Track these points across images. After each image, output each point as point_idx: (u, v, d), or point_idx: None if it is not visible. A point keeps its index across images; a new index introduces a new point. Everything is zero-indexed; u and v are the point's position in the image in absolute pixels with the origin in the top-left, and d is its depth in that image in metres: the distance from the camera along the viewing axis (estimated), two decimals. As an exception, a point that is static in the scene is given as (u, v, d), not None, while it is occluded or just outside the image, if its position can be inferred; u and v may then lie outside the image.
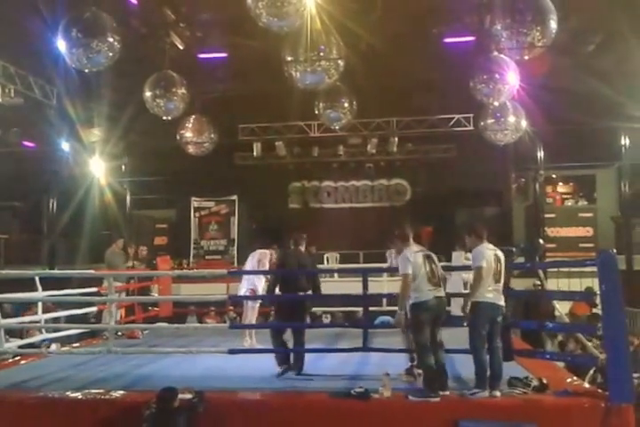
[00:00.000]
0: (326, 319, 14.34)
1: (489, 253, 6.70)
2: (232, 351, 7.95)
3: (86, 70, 11.17)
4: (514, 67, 12.02)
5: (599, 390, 6.57)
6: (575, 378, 7.44)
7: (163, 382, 6.79)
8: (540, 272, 10.80)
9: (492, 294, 6.65)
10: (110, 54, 10.63)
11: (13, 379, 7.63)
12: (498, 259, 6.74)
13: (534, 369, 7.36)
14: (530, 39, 9.93)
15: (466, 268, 11.29)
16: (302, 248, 8.63)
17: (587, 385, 7.22)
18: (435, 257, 6.88)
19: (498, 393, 6.42)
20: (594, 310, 11.12)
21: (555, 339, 11.65)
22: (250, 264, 10.03)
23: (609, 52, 13.85)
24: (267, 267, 9.81)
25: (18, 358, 9.29)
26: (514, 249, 8.56)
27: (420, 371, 6.85)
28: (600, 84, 13.82)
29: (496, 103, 13.35)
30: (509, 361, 7.26)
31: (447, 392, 6.46)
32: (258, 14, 9.29)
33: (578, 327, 10.30)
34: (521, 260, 9.99)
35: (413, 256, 6.66)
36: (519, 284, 9.18)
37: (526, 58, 10.61)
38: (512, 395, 6.42)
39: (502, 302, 6.73)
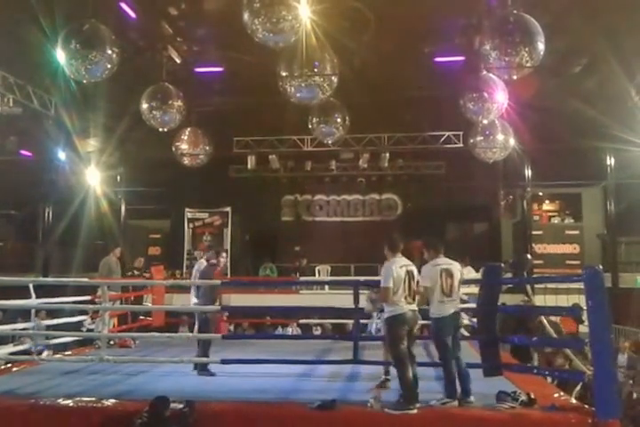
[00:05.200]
0: (317, 331, 14.40)
1: (436, 270, 6.84)
2: (224, 362, 8.02)
3: (84, 81, 11.28)
4: (502, 86, 12.25)
5: (586, 406, 6.55)
6: (562, 393, 7.47)
7: (154, 391, 6.81)
8: (528, 287, 10.94)
9: (451, 308, 6.83)
10: (108, 66, 10.74)
11: (4, 386, 7.59)
12: (449, 273, 6.90)
13: (522, 384, 7.40)
14: (518, 60, 10.11)
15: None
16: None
17: (574, 401, 7.20)
18: (415, 272, 6.92)
19: (472, 398, 6.60)
20: (580, 327, 11.22)
21: (541, 354, 11.73)
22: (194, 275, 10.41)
23: (594, 73, 14.13)
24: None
25: (9, 365, 9.29)
26: (502, 264, 8.65)
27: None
28: (586, 104, 14.07)
29: (485, 121, 13.58)
30: (498, 376, 7.39)
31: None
32: (254, 30, 9.42)
33: (565, 343, 10.39)
34: (509, 275, 10.13)
35: (397, 270, 6.73)
36: (508, 299, 9.28)
37: (515, 78, 10.80)
38: (500, 409, 6.45)
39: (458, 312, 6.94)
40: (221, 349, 9.65)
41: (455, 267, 6.99)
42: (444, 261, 6.97)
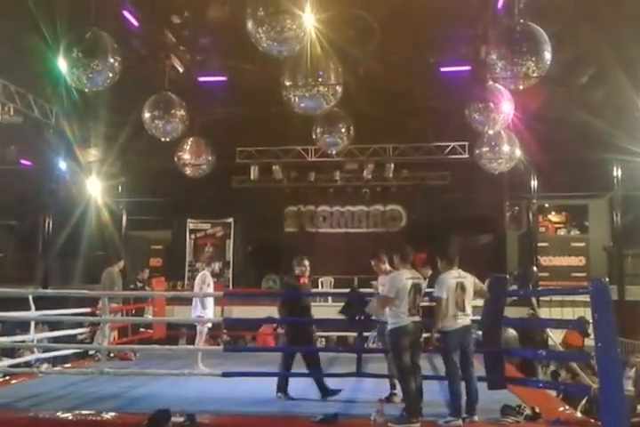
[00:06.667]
0: (320, 344, 14.24)
1: (451, 283, 6.74)
2: (225, 374, 7.90)
3: (86, 90, 11.22)
4: (508, 96, 12.18)
5: (592, 420, 6.53)
6: (568, 407, 7.41)
7: (154, 404, 6.76)
8: (534, 300, 10.82)
9: (463, 322, 6.76)
10: (110, 75, 10.65)
11: (3, 399, 7.54)
12: (462, 287, 6.80)
13: (527, 398, 7.33)
14: (524, 69, 10.04)
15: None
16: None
17: (579, 415, 7.17)
18: (423, 285, 6.90)
19: (476, 418, 6.46)
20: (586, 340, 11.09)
21: (547, 368, 11.61)
22: (197, 288, 10.26)
23: (601, 84, 14.06)
24: (211, 288, 10.12)
25: (8, 377, 9.19)
26: (507, 276, 8.55)
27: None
28: (593, 115, 13.98)
29: (491, 132, 13.49)
30: (502, 389, 7.27)
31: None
32: (258, 39, 9.34)
33: (571, 356, 10.27)
34: (514, 287, 9.99)
35: (403, 282, 6.68)
36: (512, 312, 9.16)
37: (521, 88, 10.73)
38: (504, 423, 6.37)
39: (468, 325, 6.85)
40: (223, 361, 9.57)
41: (469, 281, 6.89)
42: (458, 274, 6.86)
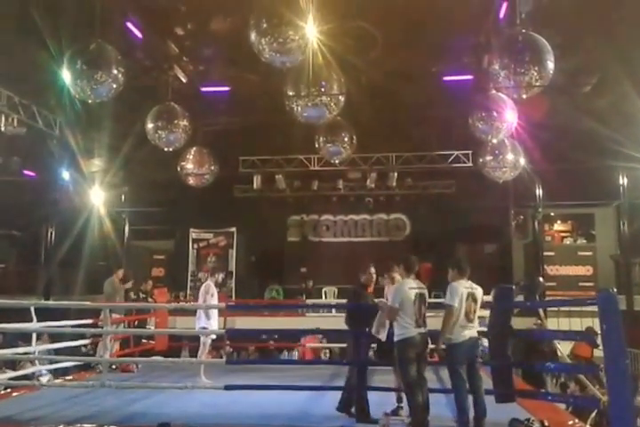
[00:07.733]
0: (325, 356, 14.15)
1: (463, 292, 6.67)
2: (228, 387, 7.81)
3: (90, 101, 11.22)
4: (512, 105, 12.15)
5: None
6: (577, 421, 7.30)
7: (156, 417, 6.70)
8: (541, 311, 10.72)
9: (470, 334, 6.68)
10: (114, 86, 10.71)
11: (4, 412, 7.46)
12: (474, 298, 6.73)
13: (536, 411, 7.23)
14: (527, 79, 10.02)
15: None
16: None
17: (589, 428, 7.10)
18: (426, 296, 6.83)
19: None
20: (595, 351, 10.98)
21: (557, 378, 11.47)
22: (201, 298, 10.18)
23: (605, 92, 14.02)
24: (215, 298, 10.00)
25: (9, 390, 9.12)
26: (514, 287, 8.46)
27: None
28: (598, 123, 13.93)
29: (494, 140, 13.47)
30: (511, 402, 7.16)
31: None
32: (261, 50, 9.37)
33: (579, 368, 10.15)
34: (521, 298, 9.91)
35: (407, 292, 6.62)
36: (519, 322, 9.06)
37: (524, 97, 10.69)
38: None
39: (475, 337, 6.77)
40: (226, 373, 9.49)
41: (479, 292, 6.81)
42: (469, 284, 6.80)
